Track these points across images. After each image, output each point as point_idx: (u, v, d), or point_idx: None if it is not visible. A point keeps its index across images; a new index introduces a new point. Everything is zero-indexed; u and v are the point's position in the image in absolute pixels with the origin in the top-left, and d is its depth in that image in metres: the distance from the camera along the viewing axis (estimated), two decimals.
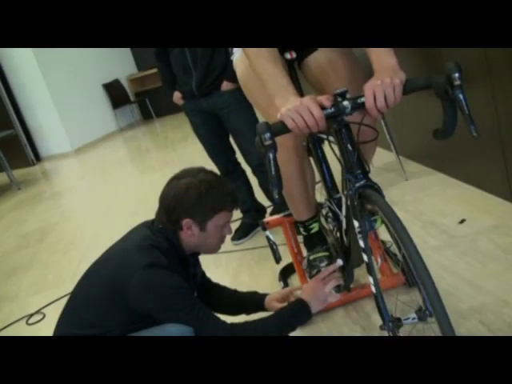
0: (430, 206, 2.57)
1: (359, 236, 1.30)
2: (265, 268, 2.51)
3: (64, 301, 1.62)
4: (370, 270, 1.31)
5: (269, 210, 2.94)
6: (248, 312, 1.74)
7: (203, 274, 1.79)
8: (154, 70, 9.47)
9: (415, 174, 2.95)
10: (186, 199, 1.47)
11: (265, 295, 1.76)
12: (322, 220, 1.86)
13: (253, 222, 2.82)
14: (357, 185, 1.26)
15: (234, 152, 2.86)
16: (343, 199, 1.49)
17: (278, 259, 2.03)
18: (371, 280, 1.32)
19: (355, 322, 1.88)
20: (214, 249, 1.60)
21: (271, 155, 1.11)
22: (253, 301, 1.76)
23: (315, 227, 1.85)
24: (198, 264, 1.68)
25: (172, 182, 1.52)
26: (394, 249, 2.04)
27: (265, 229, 2.04)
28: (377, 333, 1.73)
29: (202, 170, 1.52)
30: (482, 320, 1.62)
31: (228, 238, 2.68)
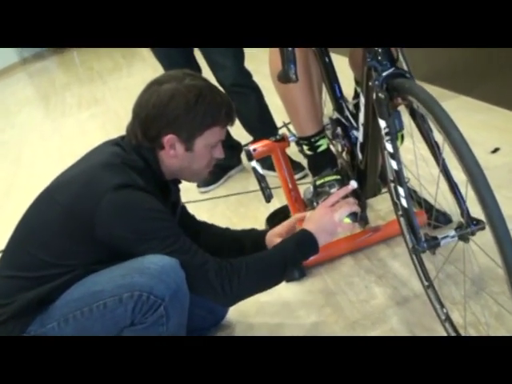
0: None
1: (387, 138, 1.38)
2: (245, 216, 2.59)
3: None
4: (401, 180, 1.40)
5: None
6: (244, 253, 1.76)
7: (184, 207, 1.85)
8: None
9: None
10: (169, 109, 1.48)
11: (265, 231, 1.82)
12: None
13: (225, 163, 2.85)
14: (384, 74, 1.35)
15: (199, 69, 2.89)
16: (361, 101, 1.59)
17: (267, 197, 2.08)
18: (402, 191, 1.40)
19: (368, 270, 2.01)
20: (200, 174, 1.65)
21: None
22: (250, 238, 1.82)
23: (323, 144, 1.93)
24: (179, 192, 1.75)
25: (151, 87, 1.53)
26: (412, 185, 2.17)
27: (251, 158, 2.10)
28: (395, 282, 1.90)
29: (188, 74, 1.55)
30: None
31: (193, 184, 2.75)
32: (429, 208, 1.89)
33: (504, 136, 2.55)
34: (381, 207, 2.30)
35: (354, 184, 1.67)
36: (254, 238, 1.81)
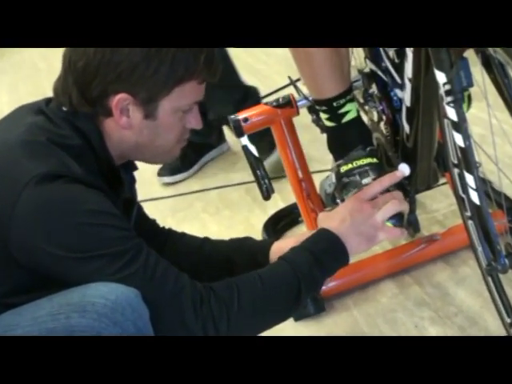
0: None
1: (448, 100, 1.31)
2: (232, 221, 2.49)
3: None
4: (469, 164, 1.35)
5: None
6: (238, 272, 1.67)
7: (140, 207, 1.78)
8: None
9: None
10: (121, 56, 1.41)
11: (269, 242, 1.74)
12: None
13: (200, 141, 2.83)
14: None
15: None
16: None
17: (265, 192, 1.98)
18: (471, 181, 1.35)
19: (419, 302, 1.91)
20: (166, 154, 1.59)
21: None
22: (243, 255, 1.73)
23: (352, 110, 1.84)
24: (134, 184, 1.69)
25: None
26: (485, 173, 2.15)
27: (240, 133, 1.99)
28: (460, 319, 1.82)
29: None
30: None
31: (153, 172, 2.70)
32: (510, 207, 1.84)
33: None
34: (438, 206, 2.27)
35: (405, 169, 1.62)
36: (250, 254, 1.72)
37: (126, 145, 1.51)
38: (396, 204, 1.53)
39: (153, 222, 1.81)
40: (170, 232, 1.82)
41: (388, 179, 1.59)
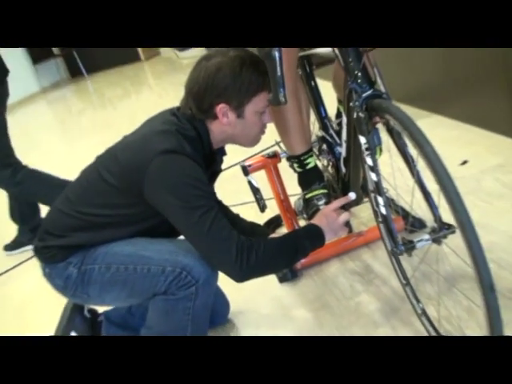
0: None
1: (367, 153, 1.40)
2: None
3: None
4: (380, 190, 1.41)
5: None
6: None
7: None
8: None
9: None
10: (218, 80, 1.48)
11: (269, 231, 1.87)
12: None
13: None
14: (364, 95, 1.37)
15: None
16: (344, 120, 1.61)
17: (262, 207, 2.06)
18: (381, 201, 1.42)
19: (352, 271, 2.02)
20: (254, 139, 1.63)
21: (277, 53, 1.21)
22: (255, 233, 1.82)
23: (311, 162, 1.92)
24: (222, 163, 1.74)
25: (200, 63, 1.53)
26: (390, 195, 2.17)
27: (246, 173, 2.08)
28: (376, 281, 1.91)
29: (232, 48, 1.54)
30: (492, 258, 1.75)
31: None
32: (405, 215, 1.90)
33: (472, 149, 2.59)
34: (363, 215, 2.32)
35: (352, 195, 1.69)
36: (258, 235, 1.81)
37: (225, 135, 1.58)
38: (348, 215, 1.63)
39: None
40: (222, 203, 1.89)
41: (344, 200, 1.67)
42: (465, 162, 2.50)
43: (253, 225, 1.90)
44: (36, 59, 9.16)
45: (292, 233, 1.63)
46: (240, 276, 1.49)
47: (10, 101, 2.95)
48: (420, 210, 1.60)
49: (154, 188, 1.45)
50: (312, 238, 1.57)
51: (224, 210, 1.87)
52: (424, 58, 2.85)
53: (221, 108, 1.51)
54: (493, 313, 1.11)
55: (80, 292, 1.58)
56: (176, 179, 1.44)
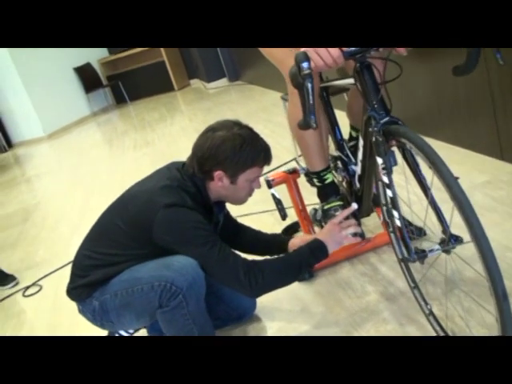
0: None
1: (383, 172, 1.31)
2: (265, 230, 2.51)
3: (61, 272, 1.63)
4: (395, 205, 1.33)
5: None
6: (271, 254, 1.75)
7: (228, 213, 1.81)
8: (126, 53, 9.31)
9: None
10: (220, 152, 1.48)
11: (288, 238, 1.78)
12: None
13: None
14: (382, 121, 1.29)
15: None
16: (360, 142, 1.52)
17: (283, 216, 2.01)
18: (396, 214, 1.33)
19: (362, 273, 1.92)
20: (241, 201, 1.63)
21: (309, 84, 1.12)
22: (276, 243, 1.78)
23: (329, 177, 1.86)
24: (221, 212, 1.70)
25: (207, 133, 1.53)
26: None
27: (270, 186, 2.03)
28: (384, 282, 1.82)
29: (237, 124, 1.53)
30: None
31: None
32: (407, 224, 1.75)
33: (461, 169, 2.49)
34: (369, 223, 2.23)
35: (354, 206, 1.63)
36: (279, 244, 1.78)
37: (218, 194, 1.57)
38: (353, 228, 1.58)
39: (234, 219, 1.83)
40: (241, 225, 1.84)
41: (346, 211, 1.62)
42: (456, 179, 2.39)
43: (274, 235, 1.86)
44: (88, 89, 9.23)
45: (296, 250, 1.57)
46: (251, 294, 1.50)
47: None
48: (431, 223, 1.47)
49: (161, 236, 1.46)
50: (315, 252, 1.54)
51: (244, 231, 1.83)
52: (415, 84, 2.74)
53: (218, 174, 1.51)
54: (506, 319, 1.03)
55: (105, 321, 1.55)
56: (181, 226, 1.44)
